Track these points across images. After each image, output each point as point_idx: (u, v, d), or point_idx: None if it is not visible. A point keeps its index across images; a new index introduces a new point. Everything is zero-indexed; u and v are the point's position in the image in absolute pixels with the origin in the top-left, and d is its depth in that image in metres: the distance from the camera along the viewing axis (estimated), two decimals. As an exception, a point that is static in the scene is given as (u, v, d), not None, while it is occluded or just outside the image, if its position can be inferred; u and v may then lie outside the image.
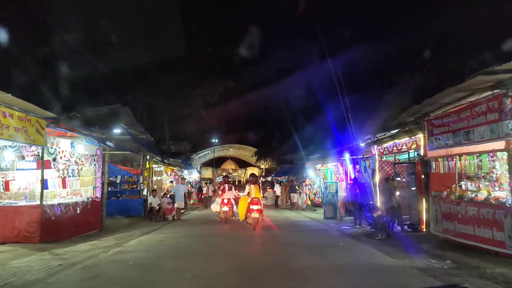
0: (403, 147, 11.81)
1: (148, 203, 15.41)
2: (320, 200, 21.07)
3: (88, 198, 10.82)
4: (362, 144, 13.97)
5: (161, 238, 10.09)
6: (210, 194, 25.47)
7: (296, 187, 21.48)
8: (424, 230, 9.95)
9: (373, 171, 13.78)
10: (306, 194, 21.54)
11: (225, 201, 13.38)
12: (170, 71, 19.94)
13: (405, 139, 11.27)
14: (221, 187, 14.35)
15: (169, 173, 21.26)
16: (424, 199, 9.92)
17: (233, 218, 13.81)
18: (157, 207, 15.34)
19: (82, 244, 8.92)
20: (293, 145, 27.62)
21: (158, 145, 22.35)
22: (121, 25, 16.23)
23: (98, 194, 11.69)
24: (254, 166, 49.62)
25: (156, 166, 18.74)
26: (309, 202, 21.57)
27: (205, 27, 22.77)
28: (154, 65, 19.22)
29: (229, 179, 17.64)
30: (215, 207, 14.63)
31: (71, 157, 10.52)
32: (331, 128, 16.86)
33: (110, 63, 16.40)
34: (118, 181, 16.16)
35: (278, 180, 30.31)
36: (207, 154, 50.27)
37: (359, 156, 14.34)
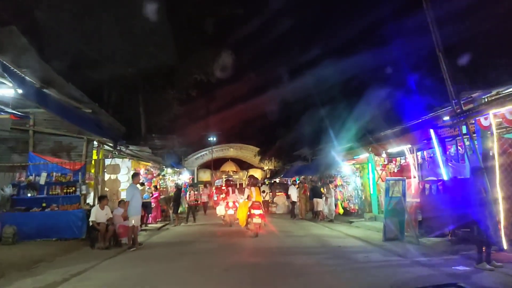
0: None
1: (90, 219, 9.15)
2: (357, 207, 14.80)
3: None
4: (463, 109, 7.78)
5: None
6: (205, 200, 19.58)
7: (322, 189, 15.18)
8: None
9: (484, 156, 7.63)
10: (336, 200, 15.20)
11: (230, 204, 13.32)
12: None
13: None
14: (225, 191, 15.03)
15: (142, 171, 14.89)
16: None
17: (236, 221, 13.07)
18: (106, 224, 9.14)
19: None
20: (308, 137, 21.29)
21: (132, 136, 16.40)
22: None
23: None
24: (257, 167, 44.31)
25: (116, 158, 12.26)
26: (341, 211, 15.22)
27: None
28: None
29: (231, 182, 17.85)
30: (220, 210, 14.60)
31: None
32: (389, 91, 10.60)
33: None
34: (43, 181, 9.83)
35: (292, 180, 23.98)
36: (204, 155, 45.05)
37: (460, 132, 8.11)
